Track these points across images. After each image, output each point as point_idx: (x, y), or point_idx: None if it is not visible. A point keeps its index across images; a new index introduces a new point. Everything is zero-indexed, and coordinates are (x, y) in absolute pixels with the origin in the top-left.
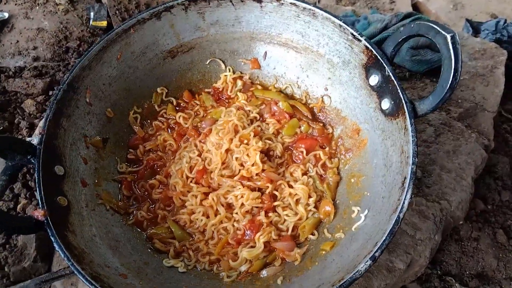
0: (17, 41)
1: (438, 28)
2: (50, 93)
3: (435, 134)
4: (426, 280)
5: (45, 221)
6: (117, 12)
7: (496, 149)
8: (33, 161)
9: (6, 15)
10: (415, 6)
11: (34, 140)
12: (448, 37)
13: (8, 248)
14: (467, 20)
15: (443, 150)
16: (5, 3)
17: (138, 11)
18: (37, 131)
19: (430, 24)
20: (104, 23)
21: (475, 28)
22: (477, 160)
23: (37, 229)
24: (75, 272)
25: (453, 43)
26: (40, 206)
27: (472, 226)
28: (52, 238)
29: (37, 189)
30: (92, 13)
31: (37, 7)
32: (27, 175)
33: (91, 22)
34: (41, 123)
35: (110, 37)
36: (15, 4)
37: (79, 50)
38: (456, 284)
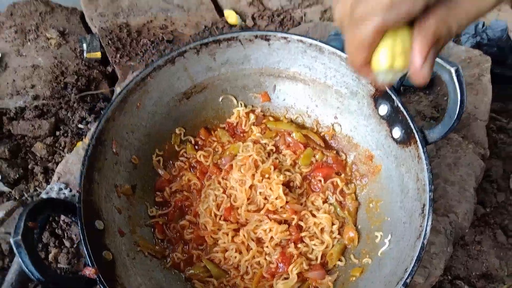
0: (14, 80)
1: (442, 63)
2: (57, 133)
3: (436, 148)
4: (439, 287)
5: (97, 278)
6: (109, 42)
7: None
8: (74, 219)
9: None
10: None
11: (55, 187)
12: (453, 71)
13: None
14: None
15: (445, 163)
16: None
17: (130, 40)
18: (55, 177)
19: None
20: (98, 54)
21: None
22: (477, 170)
23: (90, 286)
24: None
25: (458, 76)
26: (90, 264)
27: (475, 231)
28: None
29: (84, 247)
30: (85, 45)
31: (29, 43)
32: (53, 223)
33: (85, 54)
34: (58, 169)
35: (129, 87)
36: (6, 41)
37: (78, 84)
38: (465, 286)
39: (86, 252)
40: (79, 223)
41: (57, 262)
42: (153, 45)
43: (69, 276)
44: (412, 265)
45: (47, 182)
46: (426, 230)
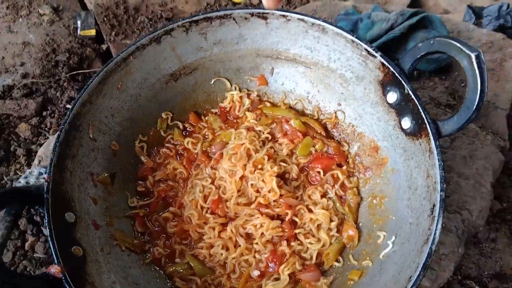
0: (3, 58)
1: (461, 47)
2: (44, 113)
3: (450, 139)
4: (448, 287)
5: (63, 277)
6: (105, 19)
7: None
8: (41, 210)
9: None
10: None
11: (35, 171)
12: (473, 56)
13: None
14: (468, 6)
15: (459, 155)
16: None
17: (127, 17)
18: (36, 160)
19: (452, 41)
20: (92, 32)
21: (477, 13)
22: (495, 164)
23: (55, 287)
24: None
25: (478, 63)
26: (56, 261)
27: (489, 228)
28: None
29: (50, 243)
30: (79, 22)
31: (20, 19)
32: (31, 209)
33: (79, 32)
34: (39, 152)
35: (109, 68)
36: None
37: (69, 63)
38: (476, 287)
39: (52, 249)
40: (45, 216)
41: (33, 251)
42: (150, 22)
43: (31, 275)
44: (417, 273)
45: (29, 166)
46: (435, 234)
